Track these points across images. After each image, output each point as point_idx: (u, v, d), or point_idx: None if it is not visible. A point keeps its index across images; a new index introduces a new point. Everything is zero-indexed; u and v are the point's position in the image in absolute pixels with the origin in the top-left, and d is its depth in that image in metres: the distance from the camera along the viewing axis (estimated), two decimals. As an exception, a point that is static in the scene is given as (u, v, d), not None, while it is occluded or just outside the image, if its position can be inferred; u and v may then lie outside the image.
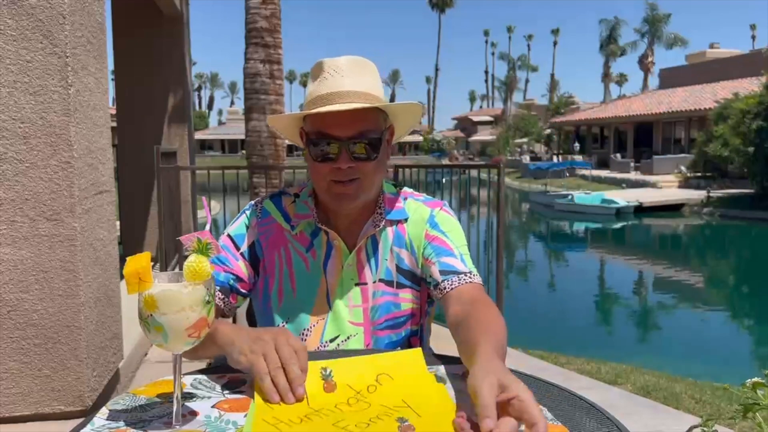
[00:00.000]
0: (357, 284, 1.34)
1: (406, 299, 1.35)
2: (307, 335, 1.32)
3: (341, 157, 1.22)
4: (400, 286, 1.35)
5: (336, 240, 1.33)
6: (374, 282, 1.34)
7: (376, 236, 1.35)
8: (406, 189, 1.44)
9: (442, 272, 1.29)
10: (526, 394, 0.80)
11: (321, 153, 1.24)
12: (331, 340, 1.32)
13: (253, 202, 1.41)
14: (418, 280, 1.37)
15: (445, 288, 1.27)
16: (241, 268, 1.33)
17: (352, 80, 1.24)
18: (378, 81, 1.30)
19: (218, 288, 1.28)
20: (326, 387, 0.99)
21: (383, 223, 1.35)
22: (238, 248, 1.34)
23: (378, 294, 1.34)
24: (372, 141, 1.24)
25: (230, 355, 1.05)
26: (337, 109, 1.19)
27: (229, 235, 1.36)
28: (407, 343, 1.37)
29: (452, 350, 1.15)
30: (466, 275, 1.28)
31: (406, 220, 1.37)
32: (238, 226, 1.37)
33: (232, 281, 1.31)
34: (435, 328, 1.60)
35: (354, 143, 1.23)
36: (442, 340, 1.46)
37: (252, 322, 1.57)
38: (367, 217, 1.35)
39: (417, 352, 1.08)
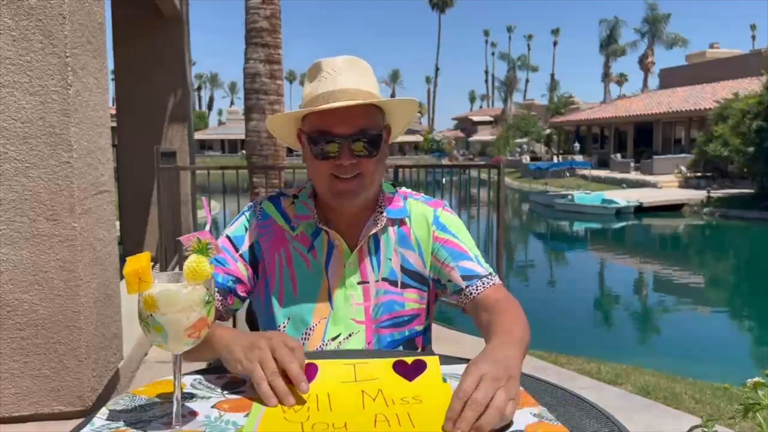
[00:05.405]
0: (359, 283, 1.34)
1: (411, 299, 1.36)
2: (309, 335, 1.33)
3: (343, 154, 1.24)
4: (404, 286, 1.36)
5: (337, 240, 1.34)
6: (377, 281, 1.35)
7: (377, 235, 1.36)
8: (404, 188, 1.46)
9: (464, 277, 1.32)
10: (477, 367, 0.92)
11: (322, 151, 1.25)
12: (333, 339, 1.33)
13: (251, 203, 1.41)
14: (425, 281, 1.38)
15: (470, 293, 1.31)
16: (240, 269, 1.33)
17: (351, 79, 1.27)
18: (374, 80, 1.33)
19: (216, 289, 1.28)
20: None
21: (384, 222, 1.35)
22: (237, 249, 1.34)
23: (381, 292, 1.34)
24: (372, 138, 1.26)
25: (227, 363, 1.06)
26: (340, 105, 1.21)
27: (228, 237, 1.36)
28: (411, 343, 1.37)
29: (452, 350, 1.15)
30: (487, 278, 1.33)
31: (407, 219, 1.38)
32: (237, 227, 1.37)
33: (231, 282, 1.31)
34: (435, 328, 1.60)
35: (355, 140, 1.24)
36: (442, 340, 1.46)
37: (252, 324, 1.56)
38: (368, 216, 1.36)
39: (434, 362, 1.08)
